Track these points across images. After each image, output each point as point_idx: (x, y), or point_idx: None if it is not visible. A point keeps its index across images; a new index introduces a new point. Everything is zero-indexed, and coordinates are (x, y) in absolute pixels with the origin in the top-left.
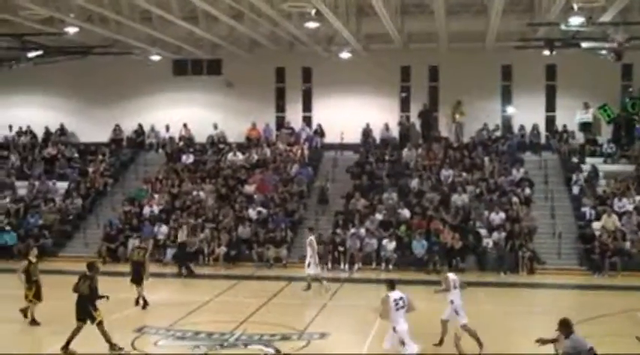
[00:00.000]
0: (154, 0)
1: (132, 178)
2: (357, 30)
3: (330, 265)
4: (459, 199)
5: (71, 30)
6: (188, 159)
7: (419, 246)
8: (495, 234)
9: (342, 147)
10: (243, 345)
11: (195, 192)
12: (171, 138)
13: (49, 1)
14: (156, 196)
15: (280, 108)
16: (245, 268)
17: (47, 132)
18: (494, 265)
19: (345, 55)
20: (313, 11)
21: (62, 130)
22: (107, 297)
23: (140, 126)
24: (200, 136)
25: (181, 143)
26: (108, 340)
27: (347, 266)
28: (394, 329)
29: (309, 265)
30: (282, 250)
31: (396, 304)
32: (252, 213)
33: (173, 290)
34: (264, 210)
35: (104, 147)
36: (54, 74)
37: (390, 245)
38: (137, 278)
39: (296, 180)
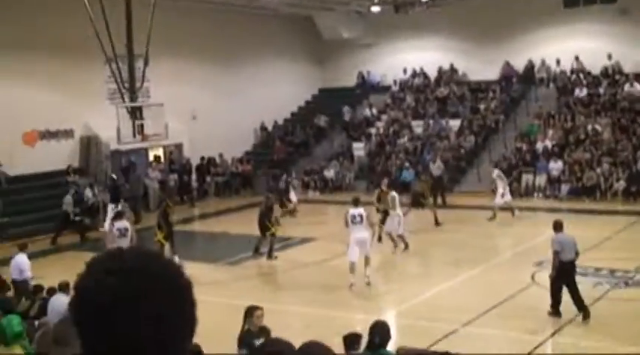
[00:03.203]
0: None
1: (523, 114)
2: None
3: None
4: None
5: None
6: (581, 92)
7: None
8: None
9: None
10: None
11: (589, 126)
12: (563, 72)
13: None
14: (549, 131)
15: None
16: None
17: (439, 73)
18: None
19: None
20: None
21: (453, 70)
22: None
23: (530, 61)
24: (593, 68)
25: (573, 76)
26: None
27: None
28: None
29: (502, 195)
30: None
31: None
32: None
33: (570, 226)
34: None
35: (494, 84)
36: (443, 16)
37: None
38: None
39: None
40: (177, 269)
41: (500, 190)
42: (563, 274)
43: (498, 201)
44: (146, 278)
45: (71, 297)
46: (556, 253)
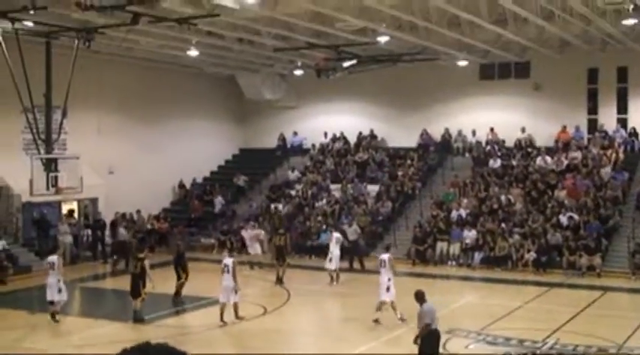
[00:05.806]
0: (463, 5)
1: (439, 182)
2: None
3: None
4: None
5: (382, 39)
6: (495, 163)
7: None
8: None
9: None
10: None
11: (502, 196)
12: (478, 143)
13: (363, 13)
14: (464, 200)
15: (592, 110)
16: (555, 275)
17: (359, 138)
18: None
19: None
20: (631, 7)
21: (372, 135)
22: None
23: (447, 130)
24: (507, 140)
25: (488, 147)
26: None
27: None
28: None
29: (330, 260)
30: (595, 258)
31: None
32: (563, 218)
33: (482, 295)
34: (575, 216)
35: (412, 151)
36: (365, 82)
37: None
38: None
39: (610, 185)
40: None
41: (329, 255)
42: (435, 342)
43: (328, 265)
44: None
45: None
46: (427, 325)
